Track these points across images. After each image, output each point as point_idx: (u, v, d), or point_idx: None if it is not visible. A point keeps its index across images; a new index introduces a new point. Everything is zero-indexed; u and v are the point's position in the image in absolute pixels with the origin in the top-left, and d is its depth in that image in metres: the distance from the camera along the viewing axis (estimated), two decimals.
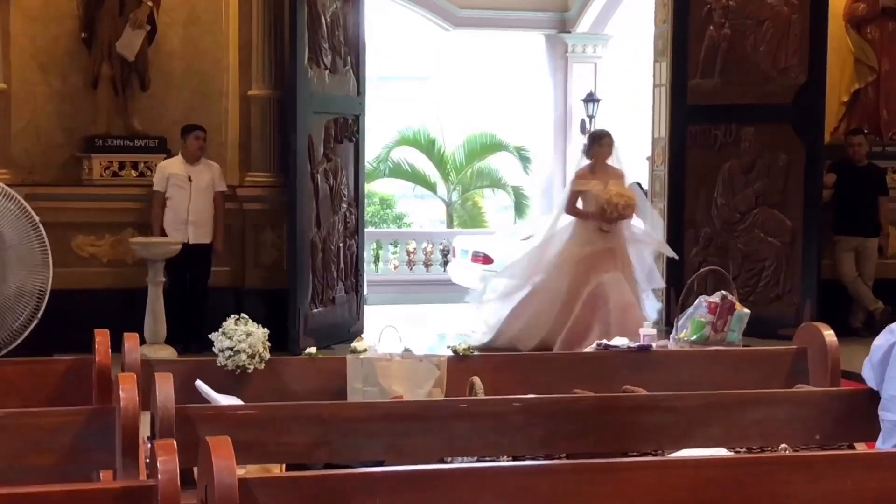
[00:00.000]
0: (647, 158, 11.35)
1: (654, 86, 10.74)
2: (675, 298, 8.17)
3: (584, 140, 9.42)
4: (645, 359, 5.12)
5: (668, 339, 5.89)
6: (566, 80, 19.57)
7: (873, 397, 4.15)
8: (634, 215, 9.08)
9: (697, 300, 5.67)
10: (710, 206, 10.43)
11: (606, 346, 5.28)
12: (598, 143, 9.17)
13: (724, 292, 5.65)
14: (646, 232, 9.32)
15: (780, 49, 10.23)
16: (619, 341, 5.47)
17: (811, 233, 10.19)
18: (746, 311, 5.65)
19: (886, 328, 4.19)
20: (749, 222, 10.34)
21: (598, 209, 8.94)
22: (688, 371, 5.12)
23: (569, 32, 19.25)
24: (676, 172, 10.49)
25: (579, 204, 9.26)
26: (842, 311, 10.35)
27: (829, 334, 4.88)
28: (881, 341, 4.17)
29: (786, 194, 10.27)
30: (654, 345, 5.21)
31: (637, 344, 5.19)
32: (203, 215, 9.51)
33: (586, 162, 9.24)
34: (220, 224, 9.59)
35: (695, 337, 5.49)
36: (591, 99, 19.41)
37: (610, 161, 9.16)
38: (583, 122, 19.56)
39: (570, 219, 9.21)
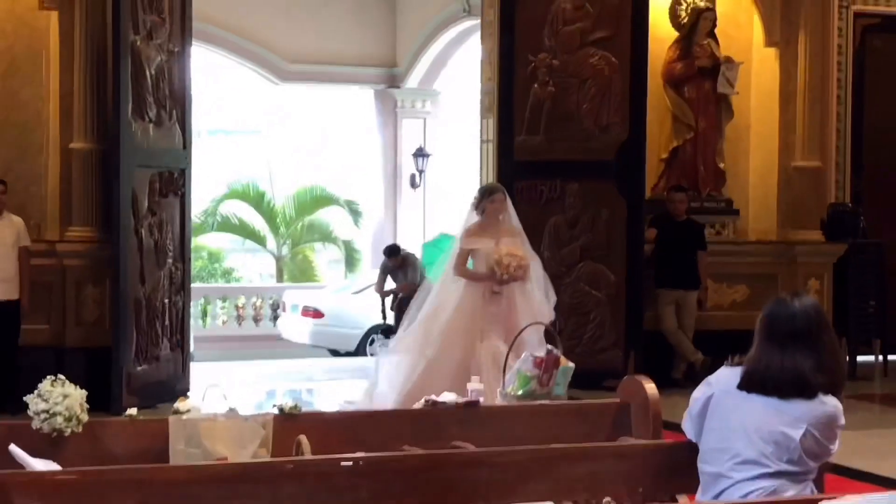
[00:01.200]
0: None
1: (482, 141, 10.89)
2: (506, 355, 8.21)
3: (475, 195, 8.45)
4: (473, 414, 5.14)
5: (496, 393, 5.94)
6: (396, 135, 19.72)
7: (693, 449, 4.24)
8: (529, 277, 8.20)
9: (524, 354, 5.73)
10: (538, 261, 10.57)
11: (434, 403, 5.28)
12: (490, 198, 8.28)
13: (549, 346, 5.72)
14: (540, 300, 8.26)
15: (603, 107, 10.49)
16: (448, 397, 5.47)
17: (633, 286, 10.43)
18: (571, 364, 5.73)
19: (704, 380, 4.30)
20: (574, 276, 10.52)
21: (488, 270, 8.11)
22: (515, 425, 5.15)
23: (398, 87, 19.42)
24: None
25: (470, 265, 8.38)
26: (664, 361, 10.61)
27: (650, 387, 4.98)
28: (699, 393, 4.27)
29: (609, 248, 10.50)
30: (481, 400, 5.24)
31: (465, 399, 5.21)
32: (8, 272, 9.27)
33: (476, 218, 8.34)
34: (26, 280, 9.37)
35: (521, 391, 5.54)
36: (420, 154, 19.59)
37: (503, 217, 8.33)
38: (413, 176, 19.71)
39: (462, 282, 8.29)
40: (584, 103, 10.51)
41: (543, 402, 5.48)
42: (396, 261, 14.17)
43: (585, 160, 10.45)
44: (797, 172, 11.39)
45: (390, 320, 14.15)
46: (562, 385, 5.62)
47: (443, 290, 8.39)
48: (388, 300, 14.35)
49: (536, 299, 8.21)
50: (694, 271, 10.86)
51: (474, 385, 5.46)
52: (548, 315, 8.06)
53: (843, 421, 4.13)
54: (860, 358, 11.39)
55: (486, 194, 8.42)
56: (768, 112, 11.49)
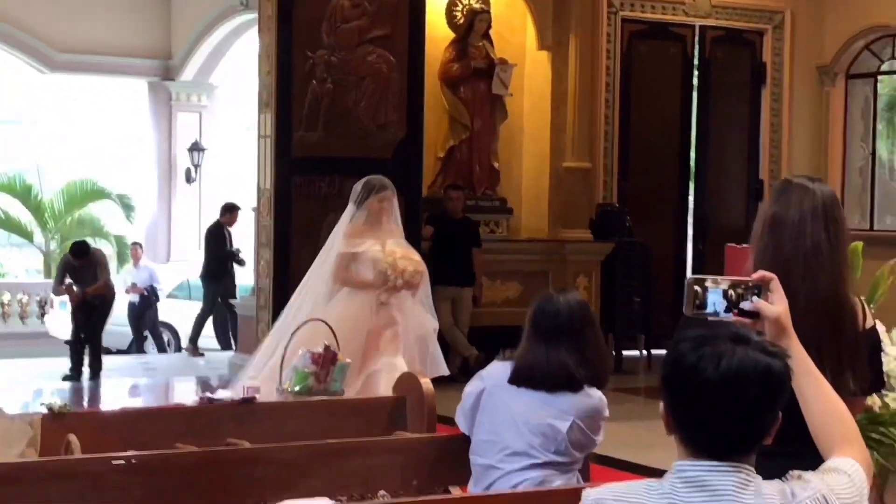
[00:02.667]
0: (253, 209, 11.40)
1: (260, 136, 10.81)
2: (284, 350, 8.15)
3: (356, 189, 7.24)
4: (249, 411, 5.13)
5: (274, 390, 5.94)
6: (171, 129, 19.36)
7: (466, 442, 4.35)
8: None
9: (301, 351, 5.75)
10: (314, 256, 10.53)
11: (211, 400, 5.25)
12: (378, 196, 7.13)
13: (326, 343, 5.76)
14: (429, 311, 7.33)
15: (380, 105, 10.57)
16: (224, 393, 5.45)
17: None
18: (348, 360, 5.78)
19: (477, 374, 4.42)
20: None
21: (378, 276, 6.99)
22: (292, 422, 5.16)
23: (173, 80, 19.06)
24: (282, 223, 10.56)
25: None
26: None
27: (425, 382, 5.08)
28: (471, 388, 4.38)
29: None
30: (257, 396, 5.23)
31: (241, 396, 5.20)
32: None
33: (357, 216, 7.18)
34: None
35: (298, 388, 5.56)
36: (196, 148, 19.29)
37: (386, 218, 7.18)
38: (188, 170, 19.39)
39: (343, 291, 7.13)
40: (363, 101, 10.56)
41: (321, 397, 5.51)
42: (85, 260, 12.01)
43: (363, 157, 10.49)
44: (567, 173, 11.74)
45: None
46: (339, 381, 5.67)
47: (316, 303, 7.13)
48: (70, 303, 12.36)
49: (427, 310, 7.28)
50: (469, 268, 11.06)
51: (251, 381, 5.45)
52: (435, 328, 7.26)
53: (607, 413, 4.32)
54: (626, 352, 11.83)
55: (372, 190, 7.19)
56: (541, 114, 11.81)
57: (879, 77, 13.66)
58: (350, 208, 7.25)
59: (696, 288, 2.46)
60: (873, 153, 13.51)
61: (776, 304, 2.47)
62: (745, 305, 2.46)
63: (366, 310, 7.01)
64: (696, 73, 13.01)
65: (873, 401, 4.21)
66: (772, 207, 3.03)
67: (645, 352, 11.99)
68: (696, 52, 12.88)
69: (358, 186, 7.24)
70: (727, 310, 2.45)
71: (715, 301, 2.45)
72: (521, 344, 4.30)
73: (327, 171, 10.48)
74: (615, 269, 11.72)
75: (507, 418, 4.22)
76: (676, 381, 2.20)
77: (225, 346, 14.76)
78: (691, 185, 13.16)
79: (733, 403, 2.15)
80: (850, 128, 13.45)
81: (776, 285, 2.48)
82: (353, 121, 10.55)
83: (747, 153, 13.17)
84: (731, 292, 2.46)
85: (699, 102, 12.98)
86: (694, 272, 12.67)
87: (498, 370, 4.33)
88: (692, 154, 13.12)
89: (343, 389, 5.67)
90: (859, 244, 4.45)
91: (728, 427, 2.16)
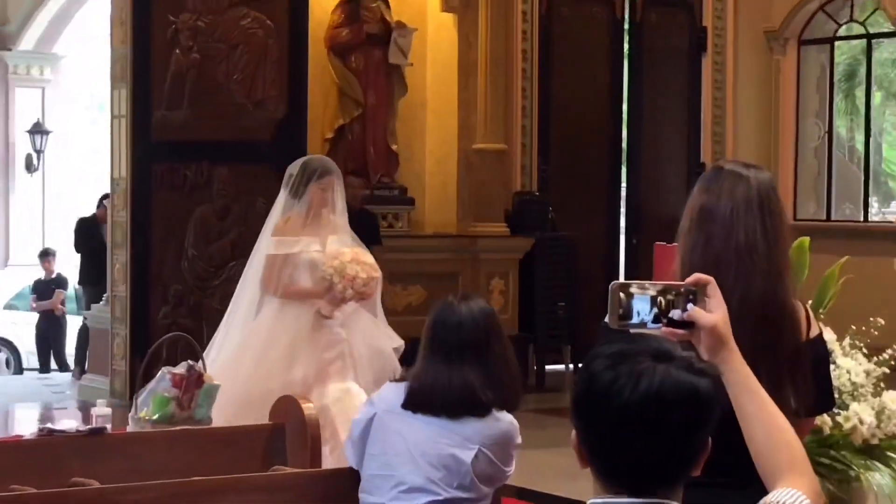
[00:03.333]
0: (106, 201, 11.28)
1: (113, 117, 10.68)
2: (139, 370, 8.04)
3: (290, 172, 6.83)
4: (98, 443, 5.06)
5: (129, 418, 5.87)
6: (7, 107, 19.08)
7: (355, 477, 4.34)
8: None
9: (160, 372, 5.69)
10: (180, 258, 10.48)
11: (52, 431, 5.18)
12: (319, 182, 6.69)
13: (190, 362, 5.70)
14: (387, 334, 6.87)
15: (257, 78, 10.51)
16: (68, 423, 5.37)
17: None
18: (217, 383, 5.74)
19: (367, 399, 4.40)
20: (225, 277, 10.47)
21: (319, 283, 6.53)
22: (150, 456, 5.11)
23: (9, 50, 18.78)
24: (141, 219, 10.45)
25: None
26: None
27: (307, 407, 5.05)
28: (360, 414, 4.37)
29: None
30: (108, 427, 5.17)
31: (88, 427, 5.13)
32: None
33: (292, 207, 6.77)
34: None
35: (157, 415, 5.50)
36: (38, 130, 19.03)
37: (329, 211, 6.76)
38: (29, 156, 19.12)
39: (273, 303, 6.66)
40: (235, 73, 10.49)
41: (184, 427, 5.46)
42: None
43: (237, 140, 10.44)
44: (478, 156, 11.78)
45: None
46: (206, 406, 5.62)
47: (245, 318, 6.70)
48: None
49: (382, 325, 6.86)
50: None
51: (100, 409, 5.38)
52: (399, 347, 6.71)
53: (519, 440, 4.33)
54: (549, 367, 11.90)
55: (313, 175, 6.74)
56: (446, 87, 11.83)
57: (836, 43, 13.91)
58: (282, 197, 6.85)
59: (621, 295, 2.46)
60: (830, 131, 13.74)
61: (714, 312, 2.48)
62: (674, 314, 2.46)
63: (302, 327, 6.56)
64: (626, 38, 13.13)
65: (823, 421, 4.27)
66: (700, 198, 3.03)
67: (571, 366, 12.08)
68: (627, 15, 13.01)
69: (293, 170, 6.85)
70: (656, 320, 2.45)
71: (641, 310, 2.45)
72: (417, 362, 4.29)
73: (194, 157, 10.40)
74: (536, 269, 11.79)
75: (401, 449, 4.21)
76: (589, 405, 2.20)
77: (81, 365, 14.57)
78: (623, 170, 13.29)
79: (654, 430, 2.15)
80: (804, 102, 13.67)
81: (714, 289, 2.49)
82: (225, 97, 10.48)
83: (687, 132, 13.33)
84: (660, 299, 2.46)
85: (631, 73, 13.11)
86: (627, 271, 12.79)
87: (390, 393, 4.32)
88: (624, 133, 13.25)
89: (210, 417, 5.63)
90: (806, 240, 4.52)
91: (649, 457, 2.17)
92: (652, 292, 2.46)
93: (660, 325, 2.45)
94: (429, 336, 4.27)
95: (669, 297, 2.46)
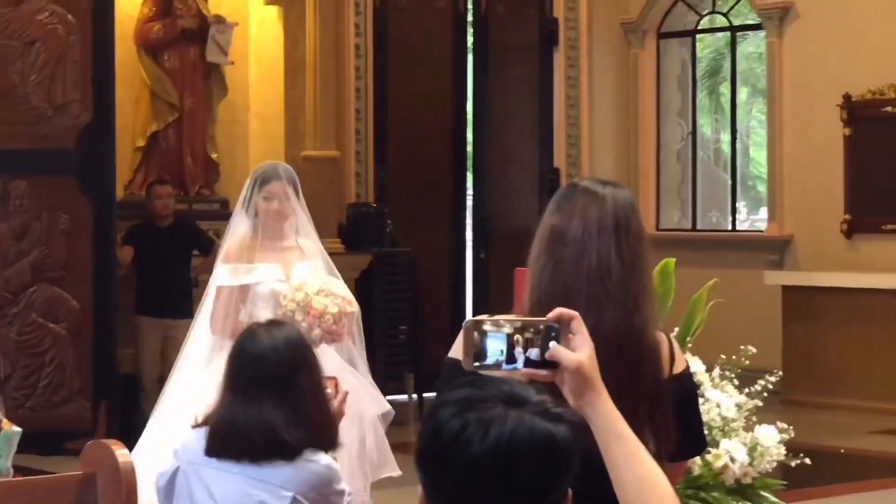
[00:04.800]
0: None
1: None
2: None
3: (248, 180, 6.43)
4: None
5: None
6: None
7: None
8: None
9: None
10: None
11: None
12: (262, 191, 6.25)
13: None
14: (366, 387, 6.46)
15: (57, 80, 10.37)
16: None
17: (104, 315, 10.37)
18: (17, 429, 5.62)
19: (173, 449, 4.32)
20: (24, 304, 10.32)
21: None
22: None
23: None
24: None
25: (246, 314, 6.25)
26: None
27: (121, 454, 4.97)
28: (166, 467, 4.29)
29: (70, 266, 10.38)
30: None
31: None
32: None
33: (244, 226, 6.35)
34: None
35: None
36: None
37: (289, 225, 6.37)
38: None
39: (225, 346, 5.86)
40: (32, 74, 10.34)
41: None
42: None
43: (36, 149, 10.29)
44: (309, 165, 11.74)
45: None
46: (5, 457, 5.50)
47: (195, 365, 6.26)
48: None
49: (365, 380, 6.41)
50: (187, 293, 10.94)
51: None
52: (384, 410, 6.44)
53: (341, 485, 4.22)
54: (390, 397, 11.89)
55: (254, 183, 6.32)
56: (272, 88, 11.80)
57: (698, 36, 14.19)
58: (236, 216, 6.41)
59: (475, 334, 2.44)
60: (693, 131, 13.99)
61: (579, 350, 2.47)
62: (531, 354, 2.45)
63: None
64: (470, 32, 13.22)
65: (692, 461, 4.33)
66: (551, 218, 3.00)
67: (415, 395, 12.11)
68: (471, 6, 13.09)
69: (248, 181, 6.46)
70: (510, 360, 2.44)
71: (495, 350, 2.43)
72: (217, 399, 4.22)
73: None
74: (373, 289, 11.78)
75: None
76: (435, 459, 2.19)
77: None
78: (469, 177, 13.37)
79: (507, 483, 2.15)
80: (665, 100, 13.90)
81: (579, 325, 2.48)
82: (20, 101, 10.31)
83: (539, 134, 13.45)
84: (517, 337, 2.44)
85: (476, 70, 13.20)
86: (475, 290, 12.87)
87: (193, 440, 4.23)
88: (469, 136, 13.32)
89: (9, 467, 5.52)
90: (671, 262, 4.56)
91: None
92: (508, 330, 2.44)
93: (514, 365, 2.44)
94: (228, 369, 4.21)
95: (528, 334, 2.45)
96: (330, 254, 11.53)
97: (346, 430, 5.45)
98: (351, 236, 11.91)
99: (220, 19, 11.42)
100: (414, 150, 12.72)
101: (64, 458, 8.45)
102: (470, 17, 13.16)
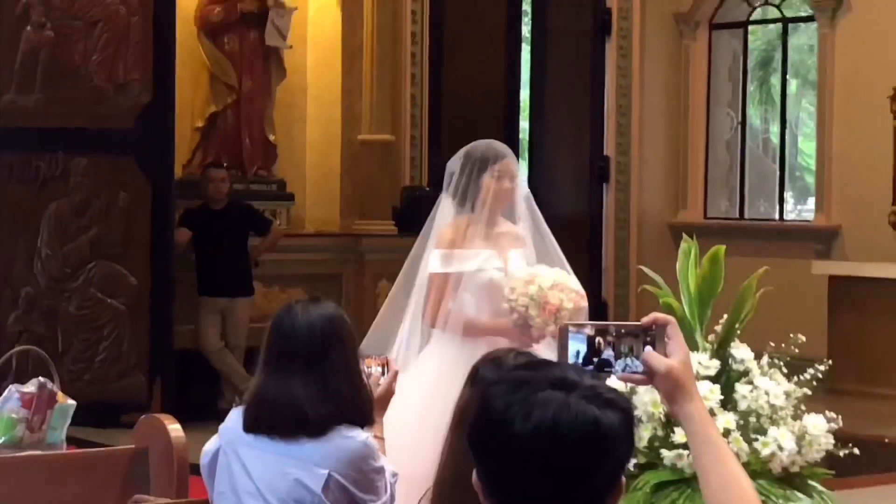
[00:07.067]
0: None
1: None
2: None
3: (451, 170, 5.98)
4: None
5: None
6: None
7: None
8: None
9: (8, 390, 5.55)
10: (32, 258, 10.35)
11: None
12: (497, 167, 5.80)
13: (42, 379, 5.57)
14: None
15: (118, 60, 10.37)
16: None
17: (161, 292, 10.38)
18: (72, 402, 5.60)
19: (221, 427, 4.27)
20: (83, 279, 10.35)
21: (510, 317, 5.52)
22: None
23: None
24: None
25: (474, 306, 5.74)
26: (207, 389, 10.65)
27: (173, 429, 4.95)
28: (210, 444, 4.25)
29: (129, 243, 10.40)
30: None
31: None
32: None
33: (458, 211, 5.83)
34: None
35: (3, 439, 5.37)
36: None
37: (509, 211, 5.86)
38: None
39: (443, 340, 5.68)
40: (94, 54, 10.36)
41: (34, 452, 5.34)
42: None
43: (96, 128, 10.32)
44: (364, 148, 11.73)
45: None
46: (59, 429, 5.49)
47: (402, 354, 5.68)
48: None
49: None
50: (244, 272, 10.95)
51: None
52: None
53: (380, 462, 4.10)
54: None
55: (487, 163, 5.81)
56: (329, 72, 11.78)
57: (750, 27, 14.06)
58: (445, 200, 5.86)
59: (567, 335, 2.48)
60: (743, 122, 13.89)
61: (674, 354, 2.47)
62: (606, 355, 2.47)
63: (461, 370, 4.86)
64: (525, 20, 13.16)
65: (740, 448, 4.26)
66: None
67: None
68: None
69: (455, 164, 5.97)
70: (588, 362, 2.46)
71: (574, 352, 2.47)
72: (256, 374, 4.18)
73: (48, 146, 10.27)
74: None
75: (248, 485, 4.07)
76: (482, 435, 2.16)
77: None
78: (522, 163, 13.31)
79: (549, 467, 2.11)
80: (715, 91, 13.81)
81: (674, 330, 2.49)
82: (83, 80, 10.34)
83: (590, 122, 13.39)
84: (598, 339, 2.47)
85: (531, 58, 13.13)
86: None
87: (234, 418, 4.20)
88: (522, 123, 13.27)
89: (63, 440, 5.50)
90: (721, 248, 4.47)
91: (547, 497, 2.13)
92: (589, 331, 2.47)
93: (611, 368, 2.47)
94: (265, 345, 4.16)
95: (610, 337, 2.47)
96: (382, 236, 11.69)
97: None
98: (404, 219, 11.85)
99: (279, 3, 11.39)
100: (468, 136, 12.46)
101: (119, 431, 8.45)
102: (525, 6, 13.11)
